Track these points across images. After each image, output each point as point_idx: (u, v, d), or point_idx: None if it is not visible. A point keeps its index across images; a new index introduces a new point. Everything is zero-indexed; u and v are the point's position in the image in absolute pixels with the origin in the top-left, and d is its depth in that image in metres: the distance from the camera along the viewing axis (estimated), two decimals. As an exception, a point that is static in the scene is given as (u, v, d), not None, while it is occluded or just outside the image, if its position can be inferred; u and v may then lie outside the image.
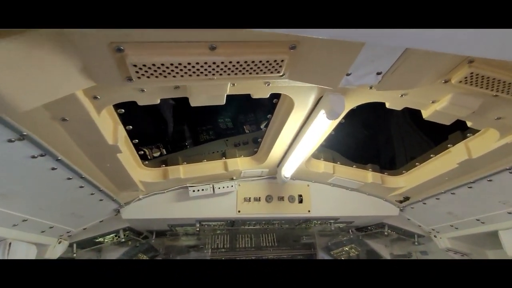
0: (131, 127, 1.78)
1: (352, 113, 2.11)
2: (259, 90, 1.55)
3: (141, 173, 2.31)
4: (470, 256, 3.18)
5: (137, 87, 1.26)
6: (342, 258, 5.10)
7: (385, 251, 4.09)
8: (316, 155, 2.71)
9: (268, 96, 1.62)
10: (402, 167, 2.73)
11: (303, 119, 1.93)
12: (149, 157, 2.40)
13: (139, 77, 1.06)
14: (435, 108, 1.68)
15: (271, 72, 1.21)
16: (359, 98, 1.75)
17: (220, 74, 1.15)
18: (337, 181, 2.91)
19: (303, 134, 2.00)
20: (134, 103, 1.48)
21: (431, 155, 2.39)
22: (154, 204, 2.68)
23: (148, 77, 1.06)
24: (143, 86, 1.28)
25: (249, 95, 1.61)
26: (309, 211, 2.94)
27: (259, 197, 2.86)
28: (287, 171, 2.53)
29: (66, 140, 1.52)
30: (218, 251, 5.13)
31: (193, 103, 1.46)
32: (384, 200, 3.14)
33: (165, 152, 2.50)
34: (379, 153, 2.80)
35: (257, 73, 1.19)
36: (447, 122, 1.78)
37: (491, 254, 3.24)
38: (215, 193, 2.72)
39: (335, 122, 2.03)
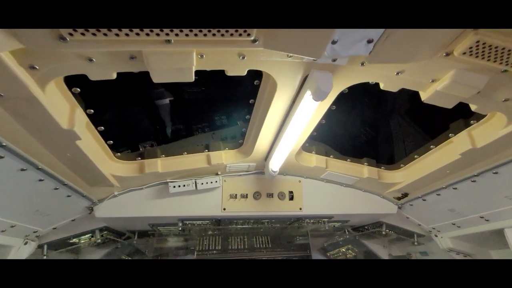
0: (92, 111, 1.58)
1: (343, 99, 1.92)
2: (234, 65, 1.35)
3: (113, 166, 2.10)
4: (473, 257, 2.97)
5: (78, 51, 1.05)
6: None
7: (383, 252, 3.88)
8: (307, 148, 2.51)
9: (245, 73, 1.42)
10: (400, 161, 2.53)
11: (288, 103, 1.73)
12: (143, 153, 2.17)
13: (71, 34, 0.86)
14: (435, 88, 1.48)
15: (240, 35, 1.01)
16: (349, 77, 1.55)
17: (177, 35, 0.95)
18: (330, 177, 2.71)
19: (289, 120, 1.79)
20: (95, 82, 1.28)
21: (431, 146, 2.19)
22: (131, 201, 2.47)
23: (83, 34, 0.86)
24: (86, 51, 1.07)
25: (229, 79, 1.42)
26: (300, 208, 2.73)
27: (246, 194, 2.65)
28: (275, 164, 2.33)
29: (11, 124, 1.32)
30: (209, 253, 4.92)
31: (156, 77, 1.26)
32: (381, 197, 2.93)
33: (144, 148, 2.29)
34: (375, 145, 2.60)
35: (222, 35, 0.99)
36: (449, 105, 1.58)
37: (496, 254, 3.04)
38: (197, 189, 2.51)
39: (325, 108, 1.83)
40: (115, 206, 2.43)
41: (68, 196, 2.07)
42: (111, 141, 1.90)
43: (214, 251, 4.97)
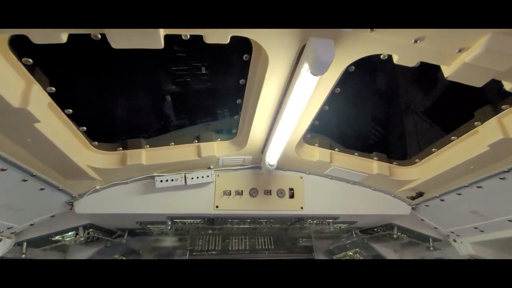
0: (53, 89, 1.36)
1: (349, 80, 1.65)
2: (214, 30, 1.11)
3: (89, 156, 1.89)
4: (498, 265, 2.64)
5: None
6: (346, 264, 4.59)
7: (394, 256, 3.56)
8: (309, 140, 2.24)
9: (227, 40, 1.17)
10: (415, 155, 2.23)
11: (284, 81, 1.47)
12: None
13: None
14: (463, 59, 1.20)
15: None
16: (356, 49, 1.28)
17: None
18: (335, 173, 2.43)
19: (286, 103, 1.54)
20: (52, 52, 1.07)
21: (453, 138, 1.90)
22: (115, 196, 2.26)
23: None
24: None
25: (215, 57, 1.18)
26: (302, 207, 2.47)
27: (241, 191, 2.41)
28: (272, 157, 2.08)
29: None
30: (208, 253, 4.70)
31: (114, 43, 1.03)
32: (393, 197, 2.64)
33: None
34: (386, 137, 2.31)
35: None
36: (479, 82, 1.30)
37: (524, 263, 2.69)
38: (187, 185, 2.28)
39: (327, 89, 1.56)
40: (98, 202, 2.23)
41: (41, 189, 1.87)
42: (84, 127, 1.68)
43: (213, 252, 4.73)
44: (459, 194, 2.18)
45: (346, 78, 1.57)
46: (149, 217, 2.44)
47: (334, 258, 4.61)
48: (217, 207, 2.35)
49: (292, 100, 1.48)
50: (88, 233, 2.67)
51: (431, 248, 2.97)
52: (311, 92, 1.39)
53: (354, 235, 3.43)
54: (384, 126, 2.23)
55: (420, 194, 2.47)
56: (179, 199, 2.32)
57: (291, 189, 2.49)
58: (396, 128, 2.23)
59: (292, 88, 1.43)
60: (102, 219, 2.50)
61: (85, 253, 3.02)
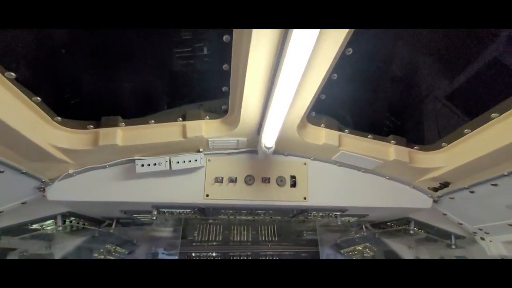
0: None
1: (364, 40, 1.29)
2: None
3: (52, 134, 1.61)
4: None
5: None
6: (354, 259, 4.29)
7: (408, 253, 3.23)
8: (314, 120, 1.90)
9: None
10: (442, 138, 1.86)
11: (277, 38, 1.13)
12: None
13: None
14: None
15: None
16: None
17: None
18: (344, 158, 2.09)
19: (281, 66, 1.19)
20: None
21: (493, 115, 1.52)
22: (92, 182, 2.00)
23: None
24: None
25: None
26: (305, 198, 2.15)
27: (235, 178, 2.10)
28: (269, 138, 1.75)
29: None
30: (208, 244, 4.48)
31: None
32: (411, 187, 2.28)
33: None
34: (406, 116, 1.93)
35: None
36: None
37: None
38: (172, 170, 1.99)
39: (335, 48, 1.21)
40: (72, 188, 1.98)
41: (1, 172, 1.61)
42: (38, 98, 1.39)
43: (214, 243, 4.51)
44: (495, 185, 1.81)
45: (359, 36, 1.21)
46: (132, 206, 2.18)
47: (342, 252, 4.31)
48: (207, 196, 2.06)
49: (287, 62, 1.13)
50: (71, 222, 2.45)
51: (453, 246, 2.62)
52: (311, 48, 1.04)
53: (364, 229, 3.10)
54: (404, 102, 1.85)
55: (445, 185, 2.11)
56: (164, 187, 2.05)
57: (293, 177, 2.17)
58: (419, 106, 1.85)
59: (287, 44, 1.08)
60: (81, 207, 2.26)
61: (71, 243, 2.82)
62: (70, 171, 1.94)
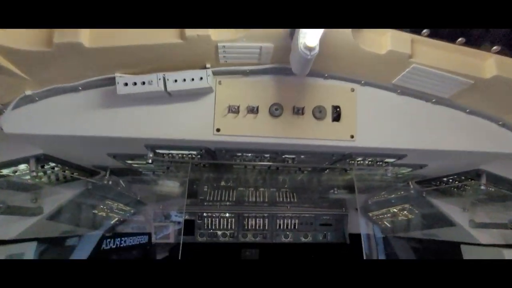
0: None
1: None
2: None
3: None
4: None
5: None
6: (384, 224, 3.80)
7: (460, 217, 2.66)
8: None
9: None
10: None
11: None
12: None
13: None
14: None
15: None
16: None
17: None
18: (413, 80, 1.45)
19: None
20: None
21: None
22: (60, 110, 1.46)
23: None
24: None
25: None
26: (352, 137, 1.56)
27: (257, 107, 1.51)
28: (312, 33, 1.11)
29: None
30: (221, 204, 4.07)
31: None
32: (500, 125, 1.64)
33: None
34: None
35: None
36: None
37: None
38: (170, 93, 1.42)
39: None
40: (34, 117, 1.45)
41: None
42: None
43: (227, 203, 4.09)
44: None
45: None
46: (120, 145, 1.66)
47: (371, 215, 3.82)
48: (218, 130, 1.50)
49: None
50: (53, 170, 1.99)
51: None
52: None
53: (411, 186, 2.52)
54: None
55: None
56: (159, 118, 1.49)
57: (337, 108, 1.56)
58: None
59: None
60: (56, 148, 1.76)
61: (62, 197, 2.40)
62: (28, 92, 1.39)
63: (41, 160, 1.81)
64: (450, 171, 2.17)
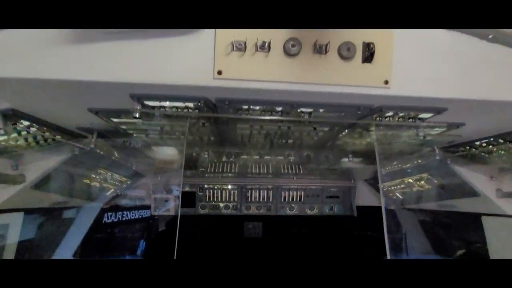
0: None
1: None
2: None
3: None
4: None
5: None
6: (395, 195, 3.59)
7: (486, 186, 2.42)
8: None
9: None
10: None
11: None
12: None
13: None
14: None
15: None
16: None
17: None
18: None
19: None
20: None
21: None
22: (16, 46, 1.15)
23: None
24: None
25: None
26: (386, 82, 1.25)
27: (268, 42, 1.18)
28: None
29: None
30: (222, 175, 3.85)
31: None
32: None
33: None
34: None
35: None
36: None
37: None
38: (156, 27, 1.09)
39: None
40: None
41: None
42: None
43: (229, 174, 3.86)
44: None
45: None
46: (100, 94, 1.36)
47: (382, 187, 3.60)
48: (219, 73, 1.18)
49: None
50: (29, 129, 1.71)
51: None
52: None
53: (437, 151, 2.24)
54: None
55: None
56: (145, 56, 1.18)
57: (370, 45, 1.23)
58: None
59: None
60: (28, 101, 1.46)
61: (45, 163, 2.15)
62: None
63: (10, 116, 1.52)
64: (486, 133, 1.88)
